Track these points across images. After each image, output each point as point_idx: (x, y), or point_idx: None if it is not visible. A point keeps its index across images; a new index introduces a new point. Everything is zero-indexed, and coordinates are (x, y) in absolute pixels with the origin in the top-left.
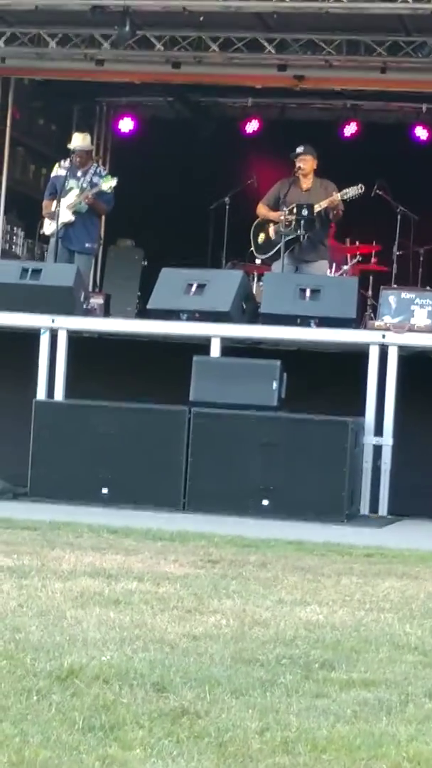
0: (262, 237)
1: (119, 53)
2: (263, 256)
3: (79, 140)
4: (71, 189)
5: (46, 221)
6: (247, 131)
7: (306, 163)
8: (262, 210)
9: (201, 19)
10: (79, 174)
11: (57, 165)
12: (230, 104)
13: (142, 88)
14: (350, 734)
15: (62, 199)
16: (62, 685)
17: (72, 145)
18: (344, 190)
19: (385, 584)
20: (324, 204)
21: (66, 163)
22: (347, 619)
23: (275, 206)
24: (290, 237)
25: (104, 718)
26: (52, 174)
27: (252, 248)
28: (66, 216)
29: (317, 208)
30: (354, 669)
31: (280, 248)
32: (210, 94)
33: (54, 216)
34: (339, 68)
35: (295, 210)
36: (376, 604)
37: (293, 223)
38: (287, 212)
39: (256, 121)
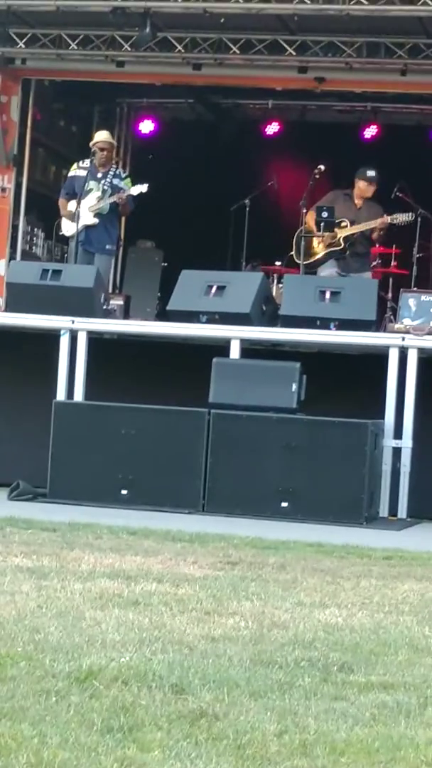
0: (305, 246)
1: (140, 55)
2: (304, 263)
3: (103, 135)
4: (91, 190)
5: (65, 221)
6: (268, 133)
7: (369, 191)
8: (311, 221)
9: (222, 20)
10: (99, 175)
11: (75, 165)
12: (250, 106)
13: (163, 89)
14: (369, 737)
15: (82, 201)
16: (81, 686)
17: (96, 139)
18: (395, 215)
19: (404, 587)
20: (372, 224)
21: (85, 164)
22: (366, 622)
23: None
24: (332, 250)
25: (123, 720)
26: (71, 173)
27: (293, 253)
28: (88, 218)
29: (363, 227)
30: (373, 672)
31: (319, 258)
32: (230, 96)
33: (73, 217)
34: (359, 70)
35: (315, 212)
36: (395, 607)
37: (317, 228)
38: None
39: (277, 123)
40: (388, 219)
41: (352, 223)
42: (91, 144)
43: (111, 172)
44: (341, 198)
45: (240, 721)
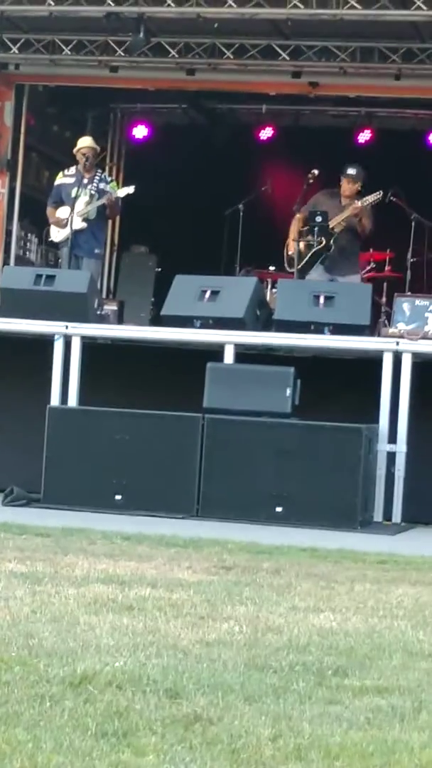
0: (292, 250)
1: (133, 60)
2: (293, 269)
3: (87, 141)
4: (78, 197)
5: (53, 229)
6: (261, 138)
7: (351, 188)
8: (294, 229)
9: (215, 25)
10: (85, 181)
11: (61, 174)
12: (244, 111)
13: (157, 94)
14: (363, 741)
15: (72, 207)
16: (75, 691)
17: (79, 146)
18: (363, 198)
19: (399, 591)
20: (346, 214)
21: (71, 171)
22: (360, 626)
23: None
24: (318, 248)
25: (117, 724)
26: (57, 182)
27: (285, 263)
28: (77, 224)
29: (339, 218)
30: (367, 676)
31: (308, 261)
32: (224, 101)
33: (63, 223)
34: (353, 75)
35: (308, 218)
36: (390, 611)
37: (310, 232)
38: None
39: (270, 128)
40: (359, 203)
41: None
42: (74, 150)
43: (97, 177)
44: (327, 196)
45: (234, 725)
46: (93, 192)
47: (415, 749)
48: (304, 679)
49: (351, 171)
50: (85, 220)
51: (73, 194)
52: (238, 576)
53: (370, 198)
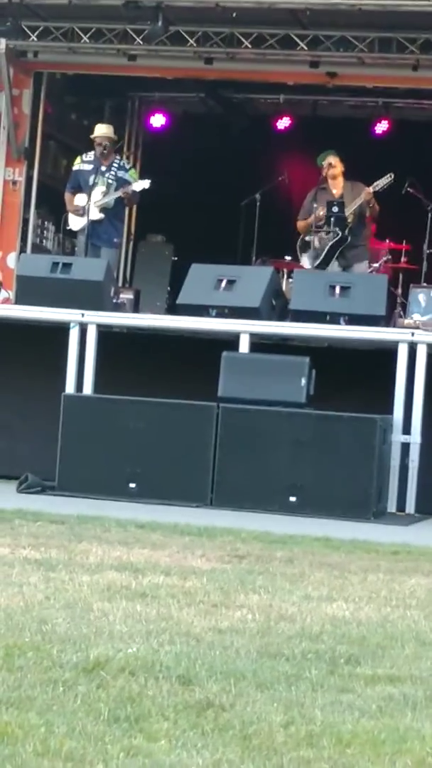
0: (308, 248)
1: (151, 49)
2: (312, 265)
3: (103, 129)
4: (96, 185)
5: (72, 217)
6: (279, 128)
7: (333, 167)
8: (301, 224)
9: (233, 15)
10: (103, 168)
11: (79, 159)
12: (262, 101)
13: (174, 83)
14: (375, 729)
15: (89, 195)
16: (88, 676)
17: (95, 134)
18: (375, 183)
19: (411, 581)
20: (358, 201)
21: (89, 157)
22: (373, 616)
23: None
24: (334, 241)
25: (129, 710)
26: (75, 167)
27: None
28: (95, 214)
29: (352, 206)
30: (379, 665)
31: (327, 254)
32: (242, 91)
33: (81, 212)
34: (371, 65)
35: (326, 209)
36: (402, 601)
37: (326, 223)
38: (319, 213)
39: (288, 117)
40: (370, 189)
41: None
42: (91, 137)
43: (115, 165)
44: (319, 193)
45: (246, 711)
46: (111, 181)
47: (427, 738)
48: (316, 667)
49: (321, 155)
50: (103, 210)
51: (91, 181)
52: (251, 565)
53: (382, 182)
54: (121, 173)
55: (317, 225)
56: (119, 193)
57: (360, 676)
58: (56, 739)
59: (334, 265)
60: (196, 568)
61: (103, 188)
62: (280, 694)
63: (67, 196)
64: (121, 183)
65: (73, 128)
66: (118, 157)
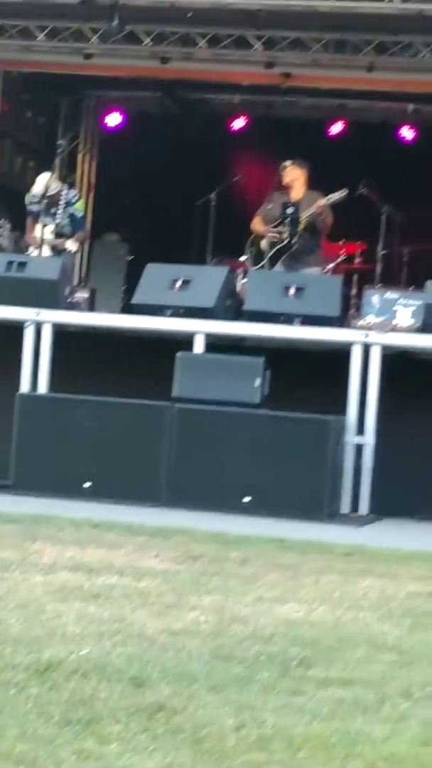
0: (255, 249)
1: (107, 47)
2: (256, 267)
3: (41, 185)
4: (46, 225)
5: (30, 244)
6: (234, 128)
7: (287, 176)
8: (257, 224)
9: (189, 14)
10: (52, 210)
11: (28, 196)
12: (218, 101)
13: (130, 82)
14: (326, 732)
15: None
16: (40, 678)
17: (36, 191)
18: (328, 196)
19: (365, 583)
20: (310, 211)
21: (36, 198)
22: (326, 618)
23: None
24: (280, 246)
25: (81, 712)
26: (27, 204)
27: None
28: (47, 251)
29: (304, 215)
30: (331, 667)
31: (271, 257)
32: (198, 91)
33: (37, 244)
34: (326, 67)
35: (281, 209)
36: (355, 603)
37: (281, 223)
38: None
39: (243, 118)
40: (323, 201)
41: None
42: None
43: (62, 201)
44: (276, 197)
45: (198, 714)
46: (59, 220)
47: (377, 741)
48: (268, 669)
49: (288, 162)
50: (54, 248)
51: (40, 220)
52: (205, 566)
53: (335, 196)
54: (70, 209)
55: (272, 225)
56: (71, 247)
57: (312, 679)
58: (7, 741)
59: (278, 269)
60: (150, 569)
61: (52, 228)
62: (232, 696)
63: (28, 220)
64: (74, 222)
65: (28, 126)
66: (65, 191)
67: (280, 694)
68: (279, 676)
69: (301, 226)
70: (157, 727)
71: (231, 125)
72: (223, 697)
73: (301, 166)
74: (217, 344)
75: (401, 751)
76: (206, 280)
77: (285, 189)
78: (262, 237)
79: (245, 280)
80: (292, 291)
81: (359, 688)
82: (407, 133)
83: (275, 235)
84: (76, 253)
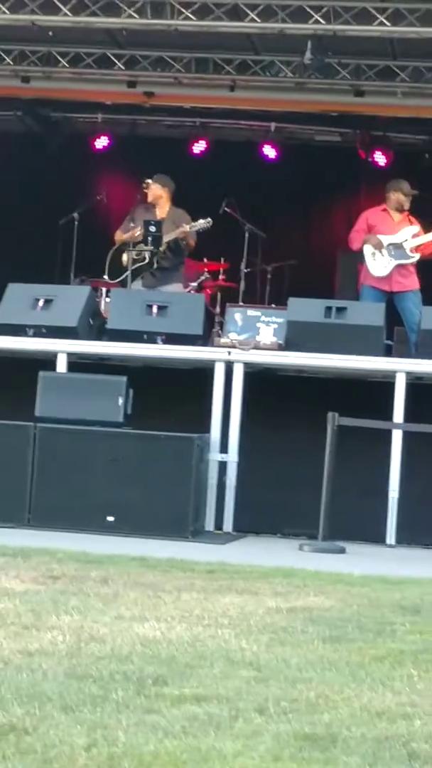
0: (117, 261)
1: None
2: (114, 281)
3: None
4: None
5: None
6: (97, 147)
7: (150, 194)
8: (118, 234)
9: (50, 33)
10: None
11: None
12: (80, 119)
13: None
14: (177, 749)
15: None
16: None
17: None
18: (193, 223)
19: (225, 600)
20: (173, 235)
21: None
22: (184, 635)
23: None
24: (140, 264)
25: None
26: None
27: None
28: None
29: (166, 238)
30: (186, 684)
31: (130, 273)
32: (60, 110)
33: None
34: (188, 86)
35: (143, 227)
36: (215, 620)
37: (143, 241)
38: (135, 233)
39: (106, 137)
40: (187, 227)
41: None
42: None
43: None
44: (138, 214)
45: (49, 734)
46: None
47: (228, 757)
48: (123, 688)
49: (149, 180)
50: None
51: None
52: (65, 585)
53: (200, 224)
54: None
55: (134, 243)
56: None
57: (166, 696)
58: None
59: (137, 285)
60: (9, 590)
61: None
62: (85, 716)
63: None
64: None
65: None
66: None
67: (133, 712)
68: (134, 694)
69: (163, 247)
70: (6, 748)
71: (94, 144)
72: (76, 717)
73: (163, 183)
74: (80, 363)
75: (251, 766)
76: (69, 299)
77: (149, 206)
78: (122, 250)
79: (108, 298)
80: (155, 309)
81: (214, 704)
82: (269, 151)
83: (136, 253)
84: None
